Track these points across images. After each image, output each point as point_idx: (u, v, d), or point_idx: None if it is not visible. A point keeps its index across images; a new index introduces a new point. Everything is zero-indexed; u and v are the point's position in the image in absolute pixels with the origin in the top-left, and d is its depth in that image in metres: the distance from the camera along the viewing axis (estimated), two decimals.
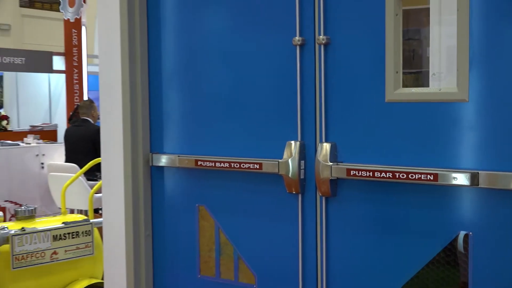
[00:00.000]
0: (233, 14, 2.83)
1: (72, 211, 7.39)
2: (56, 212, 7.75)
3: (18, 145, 9.80)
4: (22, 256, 4.03)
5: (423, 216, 2.36)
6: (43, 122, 11.73)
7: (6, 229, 4.04)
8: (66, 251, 4.24)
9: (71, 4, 10.79)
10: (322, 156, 2.52)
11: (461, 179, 2.21)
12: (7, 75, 12.19)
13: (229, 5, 2.83)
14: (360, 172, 2.42)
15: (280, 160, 2.63)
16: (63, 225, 4.27)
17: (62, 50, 11.24)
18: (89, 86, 11.15)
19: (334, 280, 2.59)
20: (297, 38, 2.60)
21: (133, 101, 3.05)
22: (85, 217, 4.67)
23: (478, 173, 2.19)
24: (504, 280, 2.22)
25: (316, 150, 2.57)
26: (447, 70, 2.53)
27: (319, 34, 2.55)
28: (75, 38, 10.99)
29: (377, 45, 2.40)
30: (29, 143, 9.98)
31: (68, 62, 11.08)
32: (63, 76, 11.24)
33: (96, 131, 7.35)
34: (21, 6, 18.01)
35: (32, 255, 4.08)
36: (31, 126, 11.20)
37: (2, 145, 9.57)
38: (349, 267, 2.55)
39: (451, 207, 2.31)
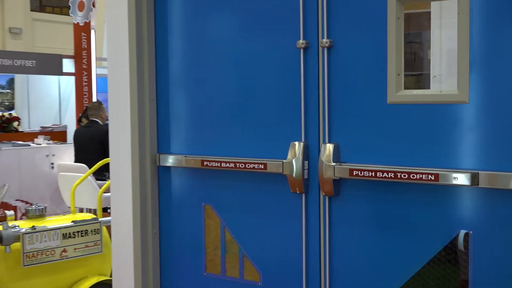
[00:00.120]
0: (238, 18, 2.83)
1: (81, 210, 7.38)
2: (66, 211, 7.77)
3: (29, 145, 9.82)
4: (33, 253, 4.04)
5: (424, 215, 2.35)
6: (53, 123, 11.76)
7: (17, 227, 4.05)
8: (75, 249, 4.25)
9: (81, 8, 10.82)
10: (325, 156, 2.52)
11: (461, 179, 2.21)
12: (19, 78, 12.22)
13: (235, 9, 2.83)
14: (362, 172, 2.41)
15: (284, 161, 2.63)
16: (72, 223, 4.28)
17: (71, 53, 11.27)
18: (98, 88, 11.18)
19: (337, 278, 2.59)
20: (301, 41, 2.60)
21: (141, 103, 3.06)
22: (94, 216, 4.68)
23: (478, 173, 2.19)
24: (504, 277, 2.21)
25: (319, 151, 2.57)
26: (447, 73, 2.53)
27: (323, 37, 2.55)
28: (84, 41, 11.01)
29: (379, 48, 2.40)
30: (40, 144, 10.00)
31: (78, 65, 11.10)
32: (72, 78, 11.27)
33: (105, 132, 7.31)
34: (32, 10, 18.06)
35: (42, 253, 4.08)
36: (41, 127, 11.22)
37: (13, 146, 9.60)
38: (351, 265, 2.54)
39: (451, 206, 2.30)
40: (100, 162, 5.54)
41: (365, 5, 2.44)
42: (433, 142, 2.31)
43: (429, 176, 2.26)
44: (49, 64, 10.92)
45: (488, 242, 2.23)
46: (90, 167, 6.66)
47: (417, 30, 2.67)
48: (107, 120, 7.99)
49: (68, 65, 11.18)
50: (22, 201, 8.36)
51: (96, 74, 11.17)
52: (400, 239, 2.41)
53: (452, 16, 2.26)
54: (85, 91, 11.07)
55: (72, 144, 8.70)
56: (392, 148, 2.40)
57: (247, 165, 2.73)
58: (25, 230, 4.04)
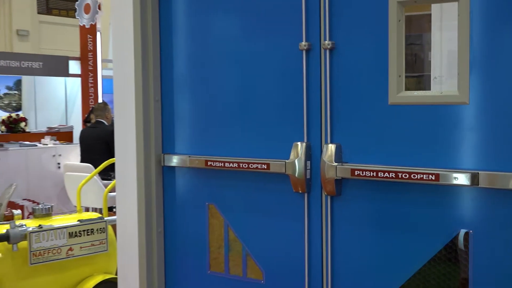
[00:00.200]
0: (242, 20, 2.83)
1: (87, 209, 7.40)
2: (72, 210, 7.78)
3: (36, 146, 9.84)
4: (40, 252, 4.04)
5: (425, 215, 2.35)
6: (59, 124, 11.77)
7: (24, 226, 4.06)
8: (81, 247, 4.25)
9: (87, 11, 10.83)
10: (327, 156, 2.52)
11: (461, 179, 2.20)
12: (26, 79, 12.23)
13: (238, 12, 2.83)
14: (364, 172, 2.41)
15: (287, 161, 2.63)
16: (78, 222, 4.29)
17: (77, 55, 11.28)
18: (104, 89, 11.18)
19: (339, 276, 2.58)
20: (303, 43, 2.60)
21: (146, 104, 3.06)
22: (100, 215, 4.68)
23: (478, 173, 2.18)
24: (503, 276, 2.21)
25: (321, 151, 2.57)
26: (448, 74, 2.53)
27: (325, 39, 2.55)
28: (90, 44, 11.02)
29: (381, 49, 2.40)
30: (46, 144, 10.02)
31: (84, 67, 11.12)
32: (78, 80, 11.28)
33: (110, 132, 7.33)
34: (39, 13, 18.09)
35: (49, 251, 4.09)
36: (48, 127, 11.24)
37: (20, 146, 9.61)
38: (353, 264, 2.54)
39: (452, 206, 2.30)
40: (105, 162, 5.54)
41: (367, 7, 2.44)
42: (434, 143, 2.31)
43: (430, 176, 2.26)
44: (55, 66, 10.93)
45: (488, 241, 2.23)
46: (96, 167, 6.67)
47: (418, 32, 2.66)
48: (112, 120, 8.02)
49: (74, 67, 11.19)
50: (29, 200, 8.37)
51: (102, 75, 11.18)
52: (401, 238, 2.41)
53: (453, 18, 2.25)
54: (91, 92, 11.08)
55: (78, 145, 8.71)
56: (393, 148, 2.40)
57: (250, 165, 2.73)
58: (32, 229, 4.05)
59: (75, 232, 4.22)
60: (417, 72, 2.69)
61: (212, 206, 2.97)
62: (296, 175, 2.61)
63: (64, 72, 11.11)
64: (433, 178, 2.25)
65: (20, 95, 12.50)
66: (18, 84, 12.39)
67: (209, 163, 2.87)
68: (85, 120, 9.25)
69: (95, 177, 6.85)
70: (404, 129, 2.37)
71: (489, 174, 2.17)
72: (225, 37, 2.88)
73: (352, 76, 2.49)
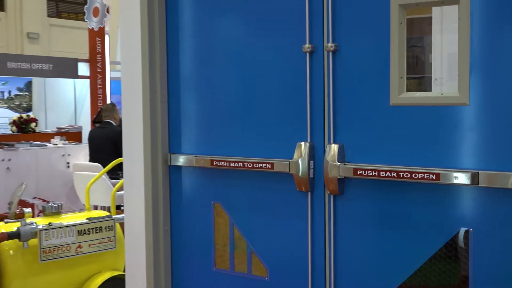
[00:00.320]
0: (247, 22, 2.83)
1: (95, 208, 7.42)
2: (81, 209, 7.78)
3: (46, 145, 9.86)
4: (49, 249, 4.05)
5: (426, 213, 2.35)
6: (69, 124, 11.79)
7: (34, 224, 4.06)
8: (90, 245, 4.26)
9: (95, 14, 10.84)
10: (330, 156, 2.52)
11: (462, 178, 2.20)
12: (36, 81, 12.26)
13: (243, 15, 2.83)
14: (366, 171, 2.41)
15: (290, 160, 2.63)
16: (87, 220, 4.29)
17: (86, 57, 11.30)
18: (112, 90, 11.19)
19: (341, 273, 2.58)
20: (307, 45, 2.60)
21: (153, 105, 3.06)
22: (108, 213, 4.69)
23: (478, 172, 2.18)
24: (502, 273, 2.20)
25: (324, 151, 2.56)
26: (448, 76, 2.52)
27: (328, 42, 2.54)
28: (98, 46, 11.04)
29: (382, 51, 2.39)
30: (56, 144, 10.03)
31: (92, 68, 11.13)
32: (87, 81, 11.30)
33: (118, 132, 7.34)
34: (49, 16, 18.14)
35: (59, 248, 4.10)
36: (57, 128, 11.26)
37: (31, 146, 9.63)
38: (355, 261, 2.54)
39: (452, 204, 2.29)
40: (114, 161, 5.54)
41: (369, 10, 2.44)
42: (435, 143, 2.31)
43: (431, 175, 2.25)
44: (65, 68, 10.95)
45: (487, 239, 2.22)
46: (104, 166, 6.68)
47: (419, 34, 2.66)
48: (120, 121, 8.02)
49: (83, 69, 11.21)
50: (39, 199, 8.38)
51: (110, 77, 11.19)
52: (403, 236, 2.41)
53: (453, 21, 2.25)
54: (99, 94, 11.09)
55: (87, 145, 8.72)
56: (395, 148, 2.40)
57: (255, 164, 2.73)
58: (42, 226, 4.06)
59: (84, 230, 4.22)
60: (418, 74, 2.68)
61: (218, 204, 2.97)
62: (300, 174, 2.60)
63: (73, 74, 11.12)
64: (434, 177, 2.25)
65: (30, 96, 12.53)
66: (28, 86, 12.41)
67: (214, 163, 2.88)
68: (94, 121, 9.26)
69: (103, 176, 6.85)
70: (406, 130, 2.37)
71: (488, 173, 2.17)
72: (230, 39, 2.88)
73: (355, 77, 2.49)
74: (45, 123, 12.27)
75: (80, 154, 9.86)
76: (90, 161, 8.34)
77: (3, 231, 3.99)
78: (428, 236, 2.34)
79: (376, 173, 2.38)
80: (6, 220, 4.23)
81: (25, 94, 12.48)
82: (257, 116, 2.79)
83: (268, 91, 2.75)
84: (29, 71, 10.57)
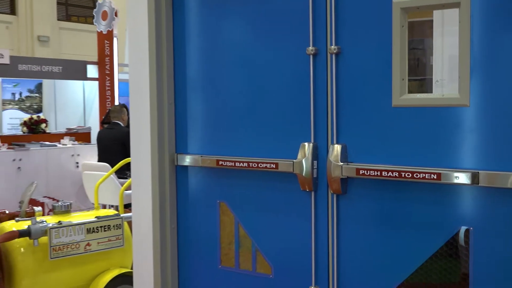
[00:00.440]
0: (252, 25, 2.83)
1: (104, 206, 7.43)
2: (90, 207, 7.80)
3: (56, 146, 9.88)
4: (59, 247, 4.06)
5: (427, 213, 2.34)
6: (78, 125, 11.81)
7: (44, 222, 4.08)
8: (98, 243, 4.27)
9: (104, 18, 10.87)
10: (333, 156, 2.51)
11: (462, 178, 2.19)
12: (46, 83, 12.30)
13: (248, 17, 2.83)
14: (368, 171, 2.40)
15: (294, 160, 2.63)
16: (96, 219, 4.30)
17: (95, 59, 11.32)
18: (120, 92, 11.21)
19: (344, 271, 2.58)
20: (310, 48, 2.60)
21: (160, 106, 3.07)
22: (116, 212, 4.70)
23: (478, 172, 2.17)
24: (502, 270, 2.20)
25: (328, 151, 2.56)
26: (449, 77, 2.52)
27: (331, 44, 2.54)
28: (107, 49, 11.05)
29: (384, 54, 2.39)
30: (65, 144, 10.05)
31: (101, 71, 11.15)
32: (96, 83, 11.31)
33: (126, 133, 7.37)
34: (59, 19, 18.19)
35: (68, 246, 4.11)
36: (67, 128, 11.28)
37: (41, 146, 9.66)
38: (358, 259, 2.53)
39: (453, 204, 2.29)
40: (122, 161, 5.56)
41: (371, 14, 2.44)
42: (436, 143, 2.30)
43: (432, 175, 2.25)
44: (74, 70, 10.98)
45: (487, 238, 2.22)
46: (112, 166, 6.69)
47: (420, 37, 2.65)
48: (128, 122, 8.03)
49: (92, 71, 11.23)
50: (49, 198, 8.40)
51: (118, 79, 11.21)
52: (404, 235, 2.40)
53: (454, 24, 2.25)
54: (108, 95, 11.11)
55: (96, 145, 8.74)
56: (397, 148, 2.39)
57: (259, 164, 2.73)
58: (52, 225, 4.07)
59: (93, 228, 4.23)
60: (420, 76, 2.68)
61: (223, 204, 2.97)
62: (304, 174, 2.60)
63: (83, 76, 11.15)
64: (435, 177, 2.24)
65: (41, 97, 12.56)
66: (39, 87, 12.45)
67: (220, 163, 2.88)
68: (102, 122, 9.27)
69: (111, 175, 6.87)
70: (407, 130, 2.37)
71: (488, 173, 2.16)
72: (236, 42, 2.88)
73: (357, 79, 2.49)
74: (55, 124, 12.31)
75: (89, 154, 9.88)
76: (99, 161, 8.35)
77: (14, 229, 4.00)
78: (429, 234, 2.34)
79: (378, 173, 2.38)
80: (17, 218, 4.24)
81: (36, 96, 12.52)
82: (261, 117, 2.79)
83: (272, 92, 2.75)
84: (39, 73, 10.60)
